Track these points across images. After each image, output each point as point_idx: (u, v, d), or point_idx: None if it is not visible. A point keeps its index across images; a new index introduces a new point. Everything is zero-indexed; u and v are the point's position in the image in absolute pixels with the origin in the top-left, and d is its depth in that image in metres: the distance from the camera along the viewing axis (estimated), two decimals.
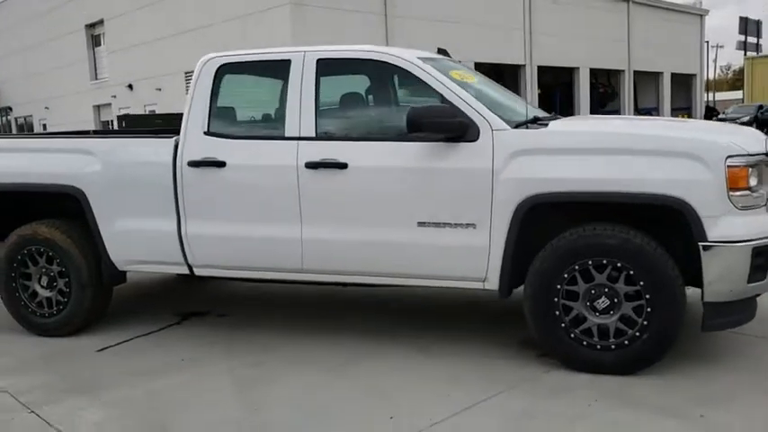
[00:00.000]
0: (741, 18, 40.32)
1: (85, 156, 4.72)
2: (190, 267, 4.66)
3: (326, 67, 4.35)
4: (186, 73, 24.14)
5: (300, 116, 4.29)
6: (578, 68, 30.27)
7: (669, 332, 3.69)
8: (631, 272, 3.67)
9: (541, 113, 4.72)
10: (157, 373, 4.18)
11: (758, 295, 3.83)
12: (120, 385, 4.02)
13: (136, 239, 4.68)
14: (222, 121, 4.55)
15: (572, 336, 3.83)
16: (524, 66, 27.63)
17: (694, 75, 38.34)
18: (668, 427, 3.20)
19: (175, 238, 4.57)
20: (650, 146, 3.68)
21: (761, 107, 30.65)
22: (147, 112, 25.98)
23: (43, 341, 4.87)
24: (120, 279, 5.00)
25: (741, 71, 54.69)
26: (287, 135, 4.31)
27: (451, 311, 5.21)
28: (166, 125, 11.17)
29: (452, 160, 3.94)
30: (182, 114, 4.57)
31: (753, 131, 4.13)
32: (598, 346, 3.79)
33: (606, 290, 3.75)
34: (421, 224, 4.03)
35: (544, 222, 3.89)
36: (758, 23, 41.10)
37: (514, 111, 4.38)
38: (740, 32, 40.04)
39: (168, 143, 4.57)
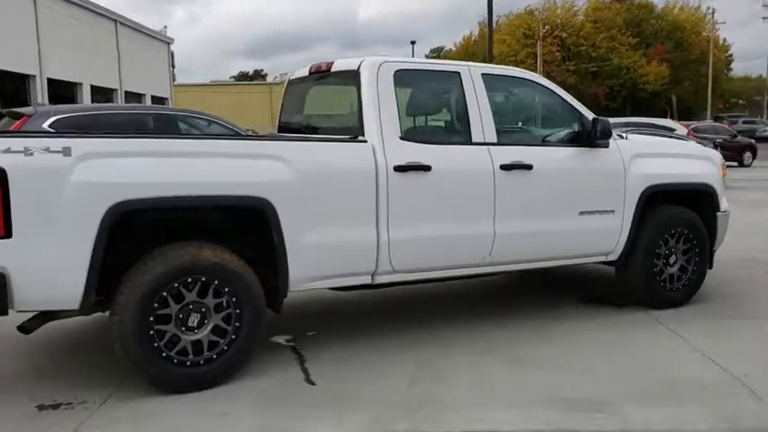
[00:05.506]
0: None
1: (275, 162, 3.99)
2: (372, 276, 4.46)
3: (489, 81, 4.89)
4: None
5: (482, 123, 4.74)
6: (81, 84, 29.35)
7: (705, 270, 5.73)
8: (691, 235, 5.57)
9: None
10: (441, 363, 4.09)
11: None
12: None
13: (325, 253, 4.20)
14: (411, 125, 4.56)
15: (661, 284, 5.50)
16: (35, 76, 25.50)
17: (167, 98, 40.73)
18: (750, 323, 5.18)
19: (372, 245, 4.34)
20: (696, 153, 5.74)
21: None
22: None
23: (216, 392, 3.85)
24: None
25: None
26: (474, 140, 4.71)
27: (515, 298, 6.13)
28: None
29: (601, 161, 5.14)
30: None
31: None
32: (674, 289, 5.56)
33: (674, 249, 5.56)
34: (582, 213, 5.08)
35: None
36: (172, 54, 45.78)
37: None
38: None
39: (367, 148, 4.31)
